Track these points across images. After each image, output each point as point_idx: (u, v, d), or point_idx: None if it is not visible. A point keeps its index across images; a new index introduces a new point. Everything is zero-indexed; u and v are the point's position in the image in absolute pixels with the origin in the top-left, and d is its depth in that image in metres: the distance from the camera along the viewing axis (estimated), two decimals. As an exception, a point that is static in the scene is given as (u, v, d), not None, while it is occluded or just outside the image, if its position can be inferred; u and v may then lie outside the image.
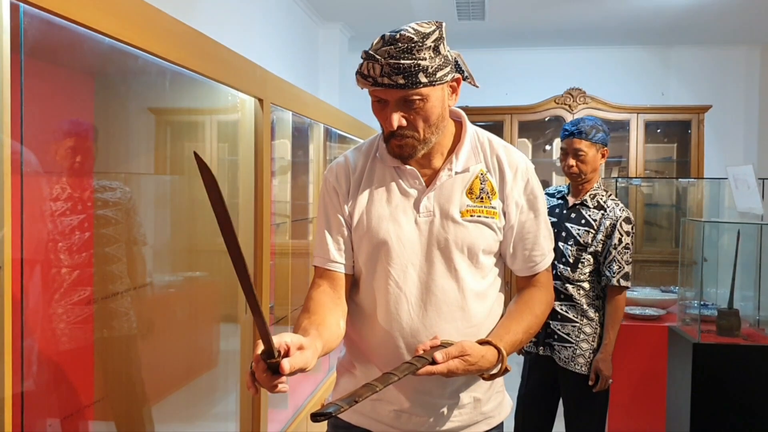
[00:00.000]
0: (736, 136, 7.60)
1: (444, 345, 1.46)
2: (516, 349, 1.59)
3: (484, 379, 1.53)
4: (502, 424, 1.72)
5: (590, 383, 2.85)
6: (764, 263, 3.76)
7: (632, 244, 2.90)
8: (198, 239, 2.71)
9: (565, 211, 3.00)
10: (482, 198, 1.59)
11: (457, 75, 1.56)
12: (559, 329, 2.90)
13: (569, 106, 6.87)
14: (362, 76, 1.49)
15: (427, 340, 1.51)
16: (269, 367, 1.24)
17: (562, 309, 2.90)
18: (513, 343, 1.56)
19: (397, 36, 1.43)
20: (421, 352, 1.43)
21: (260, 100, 2.43)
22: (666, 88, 7.63)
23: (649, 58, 7.67)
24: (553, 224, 2.92)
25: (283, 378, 1.25)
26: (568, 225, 2.95)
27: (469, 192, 1.59)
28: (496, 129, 7.14)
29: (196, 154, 1.13)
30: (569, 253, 2.91)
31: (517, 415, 3.12)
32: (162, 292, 2.45)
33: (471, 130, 1.65)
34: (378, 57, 1.44)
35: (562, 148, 2.98)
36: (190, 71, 1.90)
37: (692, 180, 6.29)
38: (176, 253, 2.61)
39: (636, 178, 6.69)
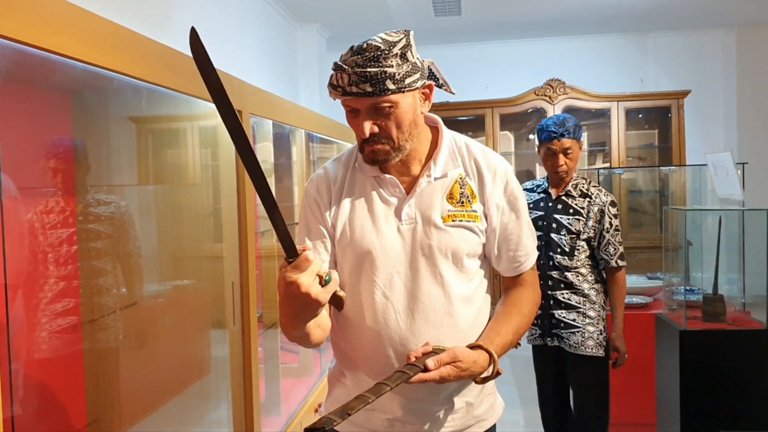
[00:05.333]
0: (716, 120, 7.67)
1: (436, 351, 1.47)
2: (507, 351, 1.60)
3: (476, 383, 1.54)
4: (494, 426, 1.73)
5: (611, 360, 2.99)
6: (747, 247, 3.80)
7: (619, 225, 3.00)
8: (184, 247, 2.70)
9: (550, 204, 3.05)
10: (463, 202, 1.60)
11: (429, 81, 1.57)
12: (564, 317, 2.97)
13: (549, 97, 6.90)
14: (333, 87, 1.51)
15: (416, 347, 1.52)
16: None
17: (564, 297, 2.97)
18: (503, 345, 1.57)
19: (365, 46, 1.45)
20: (413, 359, 1.45)
21: (239, 112, 2.43)
22: (645, 74, 7.68)
23: (626, 46, 7.71)
24: (540, 218, 3.03)
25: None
26: (557, 216, 3.00)
27: (450, 197, 1.60)
28: (478, 123, 7.16)
29: (192, 28, 1.23)
30: (564, 242, 2.97)
31: (542, 406, 3.26)
32: (151, 302, 2.44)
33: (448, 136, 1.66)
34: (345, 67, 1.46)
35: (548, 148, 2.98)
36: (166, 88, 1.89)
37: (673, 168, 6.33)
38: (164, 263, 2.60)
39: (618, 168, 6.73)
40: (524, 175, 7.69)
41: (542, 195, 3.11)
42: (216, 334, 2.74)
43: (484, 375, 1.52)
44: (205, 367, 2.76)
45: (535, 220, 3.02)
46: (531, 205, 3.10)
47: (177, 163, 2.74)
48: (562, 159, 2.96)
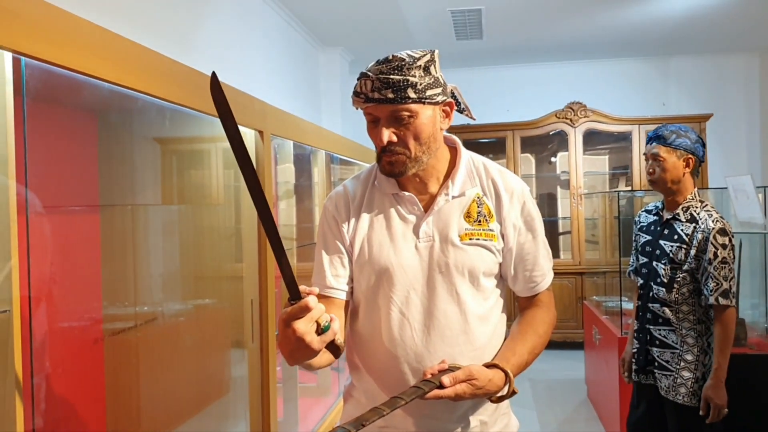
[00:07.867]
0: (738, 144, 7.61)
1: (452, 369, 1.48)
2: (522, 371, 1.60)
3: (492, 401, 1.54)
4: (508, 445, 1.73)
5: (701, 413, 2.60)
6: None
7: (732, 257, 2.60)
8: (205, 266, 2.73)
9: (659, 228, 2.80)
10: (480, 221, 1.62)
11: (450, 100, 1.59)
12: (658, 356, 2.73)
13: (570, 120, 6.90)
14: (356, 94, 1.54)
15: (432, 364, 1.53)
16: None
17: (660, 334, 2.72)
18: (519, 365, 1.58)
19: (390, 57, 1.50)
20: (429, 376, 1.46)
21: (260, 132, 2.47)
22: (666, 98, 7.66)
23: (648, 69, 7.71)
24: (648, 242, 2.81)
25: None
26: (662, 242, 2.74)
27: (467, 215, 1.61)
28: (499, 145, 7.17)
29: (213, 73, 1.26)
30: (663, 272, 2.69)
31: None
32: (172, 321, 2.47)
33: (466, 156, 1.68)
34: (370, 74, 1.50)
35: (644, 154, 2.82)
36: (190, 109, 1.93)
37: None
38: (185, 282, 2.63)
39: (640, 190, 6.69)
40: (545, 198, 7.67)
41: (655, 217, 2.86)
42: (235, 354, 2.76)
43: (499, 394, 1.53)
44: (225, 386, 2.78)
45: (643, 245, 2.85)
46: (644, 228, 2.90)
47: (200, 184, 2.78)
48: (651, 165, 2.74)
